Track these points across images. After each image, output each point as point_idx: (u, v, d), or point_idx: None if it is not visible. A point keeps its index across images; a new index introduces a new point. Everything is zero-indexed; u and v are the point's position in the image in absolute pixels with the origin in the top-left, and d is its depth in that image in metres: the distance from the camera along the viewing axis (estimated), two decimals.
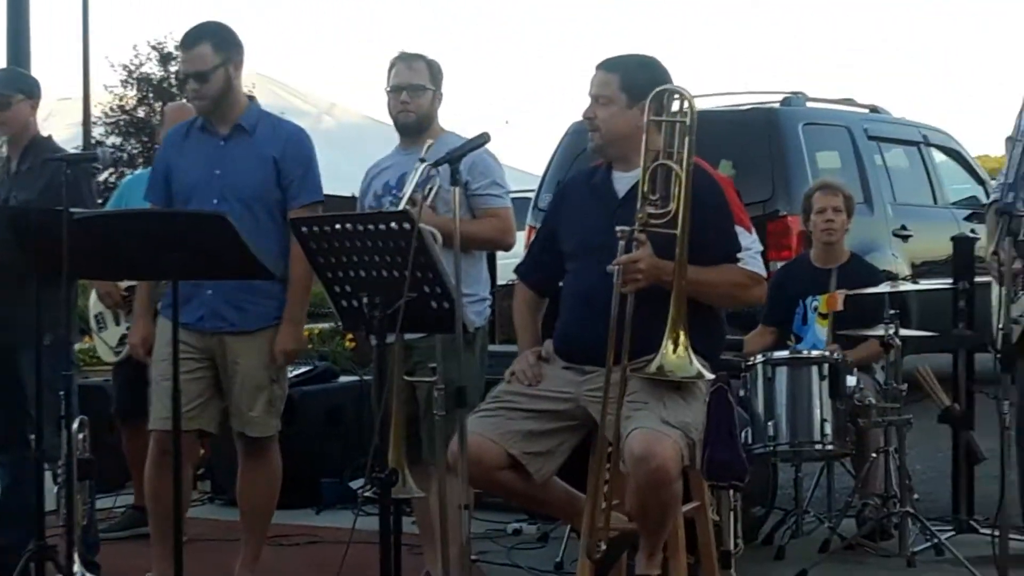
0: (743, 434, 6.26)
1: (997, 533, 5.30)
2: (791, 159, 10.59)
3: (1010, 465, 4.90)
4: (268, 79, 28.93)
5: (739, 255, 5.12)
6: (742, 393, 6.52)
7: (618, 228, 4.84)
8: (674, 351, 4.76)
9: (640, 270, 4.83)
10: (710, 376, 4.99)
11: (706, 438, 5.07)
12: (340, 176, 17.66)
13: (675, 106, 4.91)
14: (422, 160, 5.31)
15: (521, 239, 6.36)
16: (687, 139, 4.84)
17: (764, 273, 5.21)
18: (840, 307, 7.23)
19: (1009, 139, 5.09)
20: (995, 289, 5.09)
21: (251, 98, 6.13)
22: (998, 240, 4.86)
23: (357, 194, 6.23)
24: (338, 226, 4.76)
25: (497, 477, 5.07)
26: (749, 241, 5.16)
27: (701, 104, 10.84)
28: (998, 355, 4.87)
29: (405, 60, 6.01)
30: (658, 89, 4.92)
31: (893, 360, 6.63)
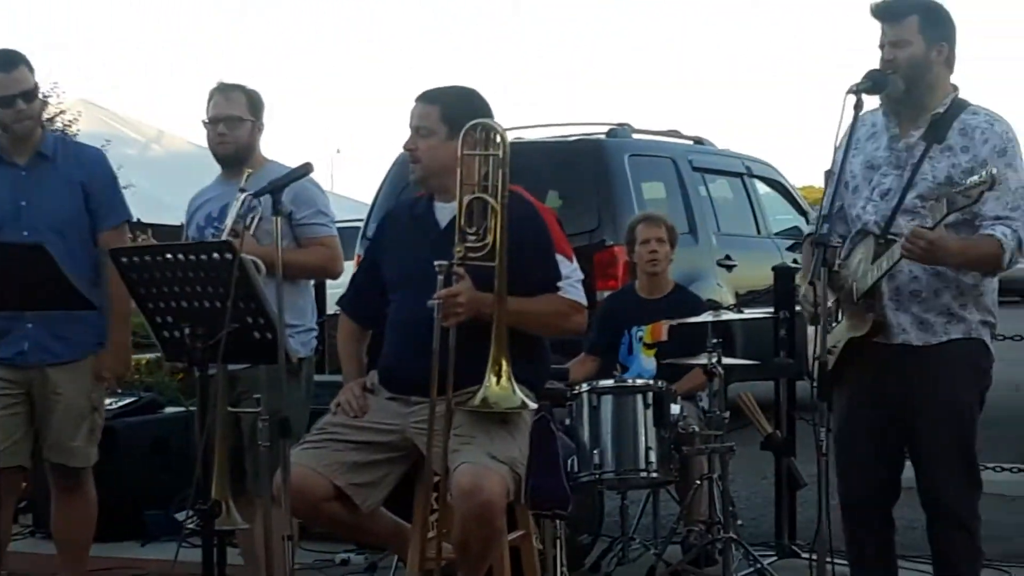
0: (569, 462, 6.29)
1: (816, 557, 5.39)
2: (617, 190, 10.67)
3: (829, 490, 4.97)
4: (94, 106, 28.43)
5: (559, 284, 5.15)
6: (568, 421, 6.56)
7: (436, 263, 4.86)
8: (497, 383, 4.79)
9: (460, 303, 4.85)
10: (534, 406, 5.00)
11: (529, 467, 5.08)
12: (167, 205, 17.42)
13: (488, 139, 4.94)
14: (242, 190, 5.29)
15: (350, 268, 6.34)
16: (501, 172, 4.88)
17: (584, 301, 5.24)
18: (664, 337, 7.33)
19: (827, 172, 5.19)
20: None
21: (42, 126, 6.03)
22: (813, 271, 4.96)
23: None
24: (159, 257, 4.72)
25: (323, 508, 5.05)
26: (569, 270, 5.19)
27: (527, 135, 11.03)
28: (814, 384, 4.95)
29: (223, 91, 5.97)
30: (470, 123, 4.94)
31: (716, 388, 6.72)
